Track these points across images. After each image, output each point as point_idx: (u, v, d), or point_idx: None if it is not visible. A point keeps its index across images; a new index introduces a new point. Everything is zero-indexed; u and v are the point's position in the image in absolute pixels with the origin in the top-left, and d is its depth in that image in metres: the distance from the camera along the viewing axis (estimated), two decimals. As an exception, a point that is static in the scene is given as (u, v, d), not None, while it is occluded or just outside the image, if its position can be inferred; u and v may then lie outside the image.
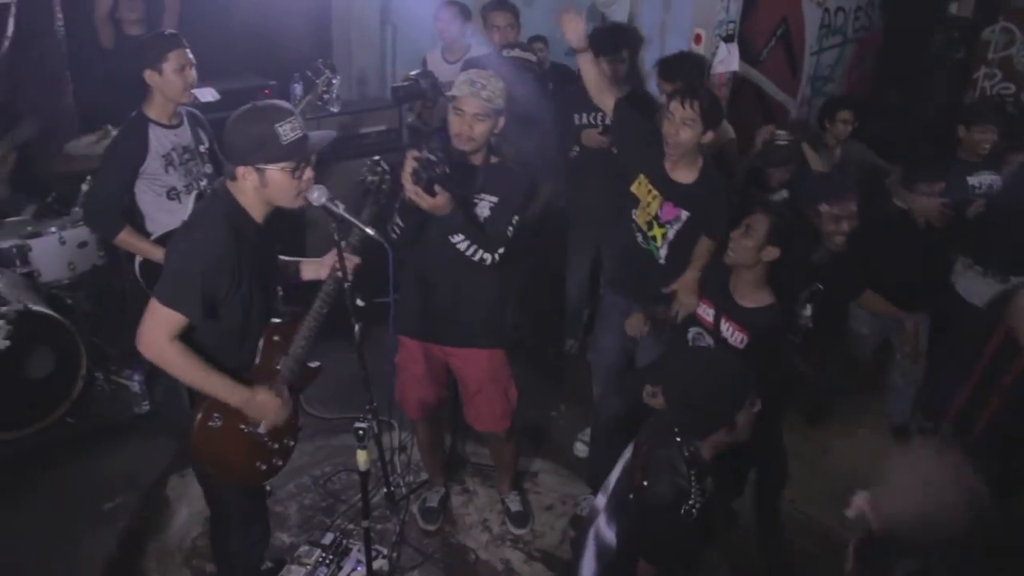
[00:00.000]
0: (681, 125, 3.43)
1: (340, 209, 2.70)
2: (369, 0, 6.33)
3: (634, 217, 3.72)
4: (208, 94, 4.49)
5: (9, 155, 4.87)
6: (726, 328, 3.37)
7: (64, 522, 3.82)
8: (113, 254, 4.58)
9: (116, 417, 4.48)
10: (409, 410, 3.80)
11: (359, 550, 3.63)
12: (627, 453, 2.80)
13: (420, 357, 3.63)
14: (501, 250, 3.26)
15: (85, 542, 3.74)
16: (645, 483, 2.54)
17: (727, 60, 5.11)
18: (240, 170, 2.58)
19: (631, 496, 2.62)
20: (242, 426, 2.83)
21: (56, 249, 4.50)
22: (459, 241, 3.19)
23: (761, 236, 3.17)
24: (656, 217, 3.64)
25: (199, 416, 2.74)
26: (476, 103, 3.17)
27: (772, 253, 3.20)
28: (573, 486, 4.29)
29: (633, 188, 3.70)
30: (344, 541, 3.76)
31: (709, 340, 3.45)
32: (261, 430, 2.87)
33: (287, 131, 2.53)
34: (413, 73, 4.60)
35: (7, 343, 2.32)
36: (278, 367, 2.87)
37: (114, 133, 4.48)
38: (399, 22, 6.43)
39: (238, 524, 3.08)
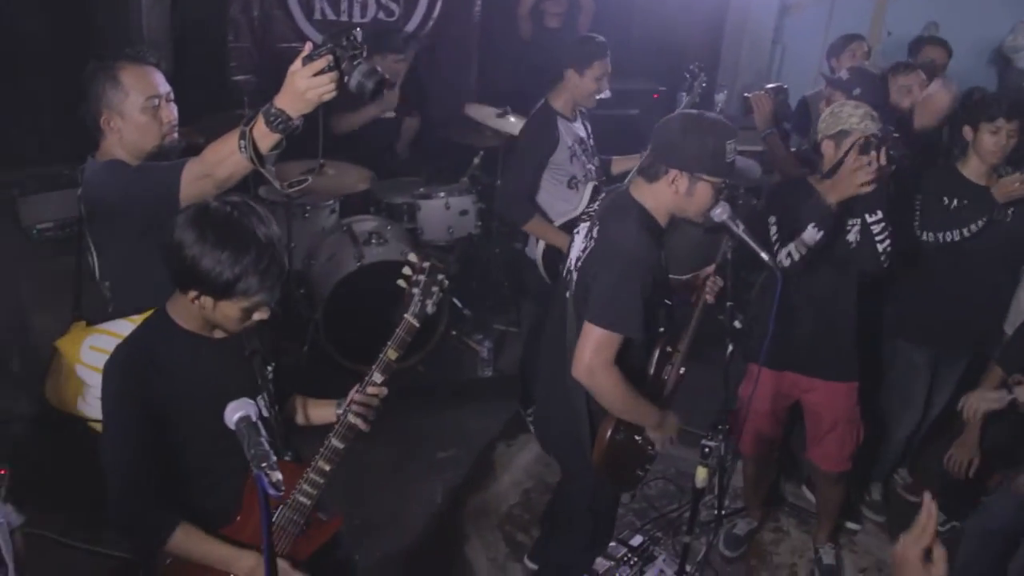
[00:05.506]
0: None
1: (740, 229, 2.63)
2: (764, 20, 6.29)
3: None
4: (602, 91, 4.63)
5: (414, 123, 5.32)
6: None
7: (400, 460, 4.16)
8: (488, 228, 4.91)
9: (461, 376, 4.80)
10: (745, 446, 3.72)
11: (664, 560, 3.61)
12: None
13: (768, 392, 3.53)
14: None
15: (415, 483, 4.05)
16: None
17: None
18: (673, 172, 2.54)
19: None
20: (637, 436, 2.85)
21: (440, 213, 4.88)
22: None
23: None
24: None
25: (608, 432, 2.73)
26: None
27: None
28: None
29: None
30: (651, 547, 3.77)
31: None
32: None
33: (731, 150, 2.52)
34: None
35: (435, 309, 2.46)
36: (665, 378, 2.85)
37: (511, 116, 4.81)
38: (790, 43, 6.33)
39: (588, 542, 3.14)
